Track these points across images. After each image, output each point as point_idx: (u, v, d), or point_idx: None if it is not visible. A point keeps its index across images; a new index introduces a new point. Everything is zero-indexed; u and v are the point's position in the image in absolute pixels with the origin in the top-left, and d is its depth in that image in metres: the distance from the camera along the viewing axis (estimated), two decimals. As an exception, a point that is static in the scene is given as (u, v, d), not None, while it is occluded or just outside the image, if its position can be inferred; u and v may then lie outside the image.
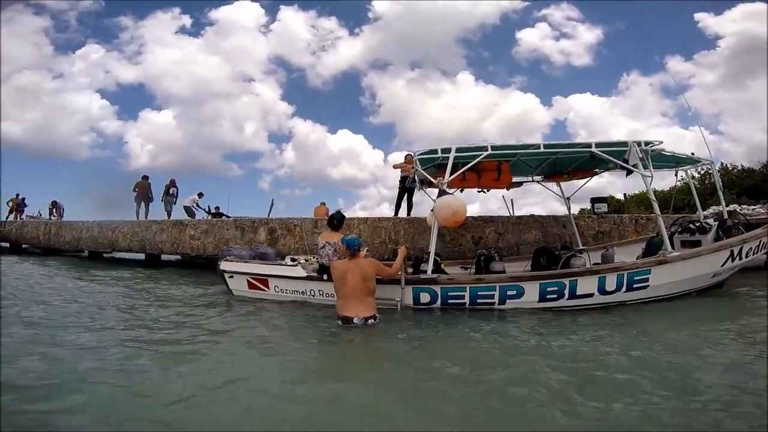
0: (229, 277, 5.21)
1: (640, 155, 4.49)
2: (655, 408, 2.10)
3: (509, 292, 4.36)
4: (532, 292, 4.34)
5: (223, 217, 10.36)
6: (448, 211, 4.37)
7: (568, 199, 6.62)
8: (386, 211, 14.39)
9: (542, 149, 4.74)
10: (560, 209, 7.07)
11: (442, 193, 4.57)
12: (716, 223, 5.18)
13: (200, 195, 11.92)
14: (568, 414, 2.04)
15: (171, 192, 11.92)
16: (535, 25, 44.65)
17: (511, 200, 7.09)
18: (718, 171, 24.69)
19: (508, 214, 7.22)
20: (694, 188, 5.80)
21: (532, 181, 6.53)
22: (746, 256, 4.76)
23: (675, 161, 5.32)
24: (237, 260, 5.30)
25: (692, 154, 5.28)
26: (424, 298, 4.44)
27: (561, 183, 6.48)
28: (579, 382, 2.45)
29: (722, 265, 4.66)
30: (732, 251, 4.65)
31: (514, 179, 6.29)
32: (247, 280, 5.08)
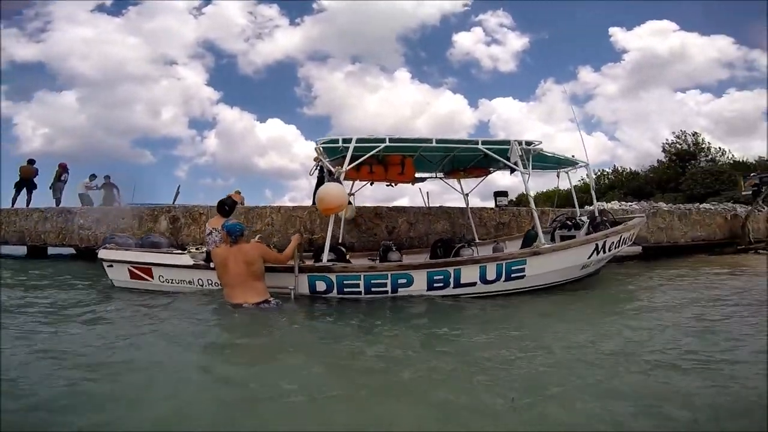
0: (108, 266, 4.82)
1: (520, 153, 4.81)
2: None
3: (400, 281, 4.50)
4: (420, 280, 4.51)
5: (114, 190, 9.27)
6: (324, 198, 4.39)
7: (467, 195, 7.02)
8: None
9: (435, 144, 4.94)
10: (479, 203, 7.47)
11: (333, 180, 4.59)
12: (588, 220, 5.78)
13: (92, 177, 10.56)
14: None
15: (63, 178, 10.53)
16: (471, 29, 46.49)
17: (427, 192, 7.45)
18: (611, 173, 28.30)
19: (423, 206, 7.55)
20: (572, 189, 6.37)
21: (435, 177, 6.85)
22: (609, 250, 5.32)
23: (556, 162, 5.81)
24: (117, 248, 4.87)
25: (572, 156, 5.78)
26: (320, 286, 4.44)
27: (461, 180, 6.85)
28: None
29: (589, 258, 5.15)
30: (597, 245, 5.15)
31: (419, 174, 6.57)
32: (129, 269, 4.73)
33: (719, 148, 25.33)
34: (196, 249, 5.18)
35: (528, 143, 4.95)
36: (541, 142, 4.99)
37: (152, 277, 4.70)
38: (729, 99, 39.60)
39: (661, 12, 49.58)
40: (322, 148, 5.05)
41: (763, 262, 7.08)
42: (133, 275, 4.73)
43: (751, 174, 16.86)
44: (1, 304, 3.93)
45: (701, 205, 10.04)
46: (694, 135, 26.05)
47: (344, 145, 4.75)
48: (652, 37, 42.34)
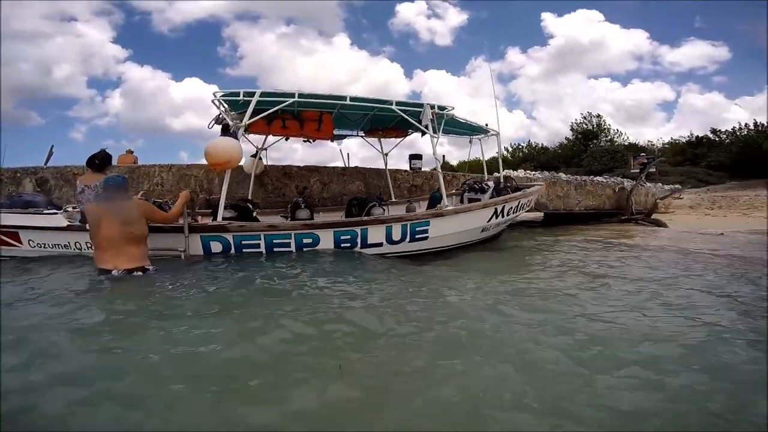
0: None
1: (431, 117, 4.80)
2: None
3: (305, 240, 4.31)
4: (327, 239, 4.38)
5: None
6: (209, 152, 3.98)
7: (386, 154, 6.99)
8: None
9: (348, 101, 4.73)
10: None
11: (226, 135, 4.17)
12: (493, 185, 6.03)
13: None
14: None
15: None
16: (414, 0, 45.75)
17: (347, 154, 7.24)
18: (525, 147, 30.70)
19: (343, 166, 7.39)
20: (483, 154, 6.63)
21: (356, 135, 6.68)
22: (507, 214, 5.61)
23: (469, 129, 5.97)
24: None
25: (486, 125, 5.96)
26: (215, 246, 4.09)
27: (381, 139, 6.78)
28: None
29: (488, 221, 5.37)
30: (496, 209, 5.37)
31: (339, 132, 6.35)
32: None
33: (617, 130, 28.52)
34: (73, 208, 4.45)
35: (441, 108, 4.96)
36: (453, 108, 5.02)
37: (21, 243, 3.99)
38: (632, 88, 44.48)
39: (592, 3, 53.11)
40: (223, 100, 4.61)
41: (642, 231, 8.06)
42: None
43: (641, 154, 19.16)
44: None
45: (595, 178, 11.14)
46: (597, 117, 28.96)
47: (246, 98, 4.36)
48: (579, 25, 45.61)
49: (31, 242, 4.00)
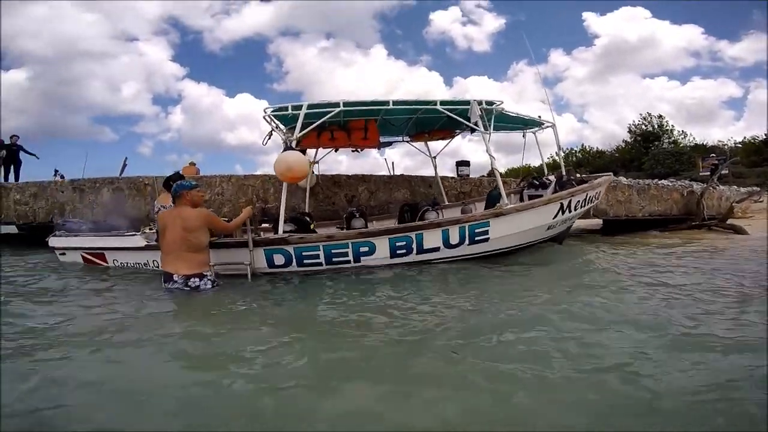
0: (61, 254, 4.66)
1: (480, 113, 4.63)
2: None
3: (362, 249, 4.27)
4: (383, 247, 4.30)
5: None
6: (284, 166, 4.15)
7: (434, 157, 6.84)
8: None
9: (392, 105, 4.70)
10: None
11: (288, 149, 4.29)
12: (555, 179, 5.63)
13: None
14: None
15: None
16: (448, 8, 46.09)
17: (392, 162, 7.24)
18: (578, 152, 29.20)
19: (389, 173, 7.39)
20: (539, 148, 6.22)
21: (402, 140, 6.63)
22: (575, 209, 5.16)
23: (522, 123, 5.68)
24: (67, 234, 4.67)
25: (539, 117, 5.64)
26: (278, 260, 4.17)
27: (428, 143, 6.68)
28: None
29: (554, 218, 4.96)
30: (562, 204, 4.94)
31: (385, 139, 6.33)
32: (82, 256, 4.56)
33: (681, 131, 26.45)
34: (150, 229, 4.89)
35: (489, 103, 4.76)
36: (502, 102, 4.81)
37: (107, 262, 4.52)
38: (692, 86, 41.27)
39: (635, 1, 50.54)
40: (273, 116, 4.75)
41: (716, 237, 7.30)
42: (87, 261, 4.57)
43: (711, 155, 17.60)
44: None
45: (659, 181, 10.30)
46: (659, 117, 27.03)
47: (294, 111, 4.47)
48: (624, 23, 43.34)
49: (115, 261, 4.50)
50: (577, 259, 4.92)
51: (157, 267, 4.15)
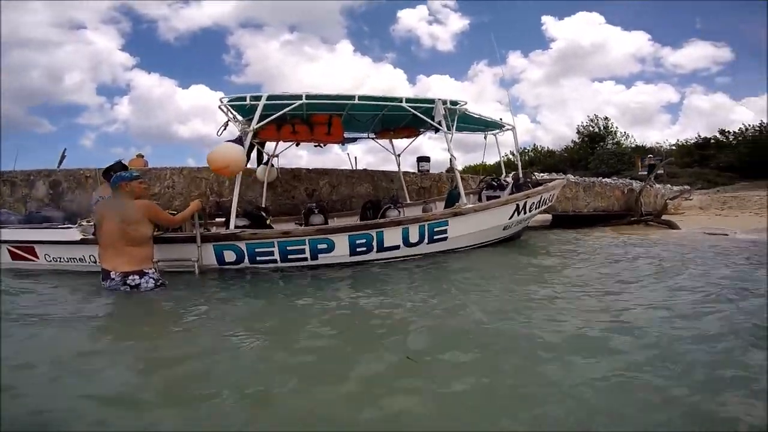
0: None
1: (444, 113, 4.70)
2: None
3: (320, 246, 4.20)
4: (342, 245, 4.26)
5: None
6: (211, 158, 3.95)
7: (399, 155, 6.88)
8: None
9: (357, 101, 4.65)
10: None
11: (238, 140, 4.12)
12: (512, 181, 5.85)
13: None
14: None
15: None
16: (416, 6, 46.23)
17: (355, 157, 7.35)
18: (531, 151, 30.62)
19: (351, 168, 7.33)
20: (499, 149, 6.53)
21: (367, 137, 6.59)
22: (530, 210, 5.43)
23: (483, 124, 5.84)
24: None
25: (500, 119, 5.82)
26: (229, 256, 4.00)
27: (392, 141, 6.69)
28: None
29: (510, 218, 5.20)
30: (518, 205, 5.18)
31: (349, 135, 6.24)
32: (8, 250, 4.03)
33: (624, 132, 28.35)
34: (87, 221, 4.45)
35: (453, 103, 4.85)
36: (466, 103, 4.92)
37: (37, 257, 4.02)
38: (636, 91, 44.30)
39: (592, 5, 53.12)
40: (230, 106, 4.54)
41: (653, 231, 7.93)
42: (15, 256, 4.03)
43: (648, 156, 19.00)
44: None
45: (603, 179, 11.01)
46: (605, 119, 28.81)
47: (252, 102, 4.30)
48: (579, 28, 45.65)
49: (47, 256, 4.03)
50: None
51: (94, 263, 3.82)
